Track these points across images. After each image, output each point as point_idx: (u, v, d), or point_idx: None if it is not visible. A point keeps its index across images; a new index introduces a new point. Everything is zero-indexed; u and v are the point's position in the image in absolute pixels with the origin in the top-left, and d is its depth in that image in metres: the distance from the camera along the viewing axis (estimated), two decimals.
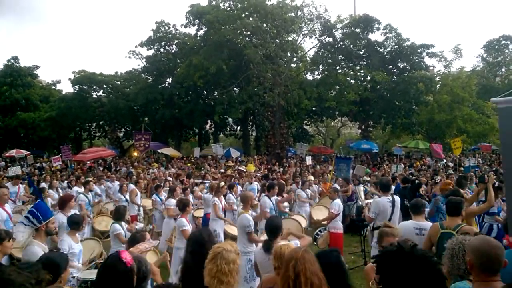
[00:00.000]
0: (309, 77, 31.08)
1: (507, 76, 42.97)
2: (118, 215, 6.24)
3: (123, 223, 6.22)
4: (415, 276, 1.93)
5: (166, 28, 32.23)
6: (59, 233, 6.35)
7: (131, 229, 6.29)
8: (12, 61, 36.36)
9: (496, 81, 41.69)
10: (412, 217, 5.28)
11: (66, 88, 44.77)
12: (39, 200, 6.76)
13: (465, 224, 4.55)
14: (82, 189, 10.53)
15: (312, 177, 12.85)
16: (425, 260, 1.99)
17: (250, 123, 35.63)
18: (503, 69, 43.79)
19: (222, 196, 8.83)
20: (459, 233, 3.91)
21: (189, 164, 21.10)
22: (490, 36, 65.08)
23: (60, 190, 11.97)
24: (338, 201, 8.20)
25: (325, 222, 8.25)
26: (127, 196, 10.62)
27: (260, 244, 4.64)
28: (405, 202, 7.95)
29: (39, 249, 4.39)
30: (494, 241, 2.64)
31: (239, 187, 11.41)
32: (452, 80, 29.05)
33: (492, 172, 14.18)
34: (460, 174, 13.31)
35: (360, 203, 10.22)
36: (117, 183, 12.69)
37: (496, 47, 42.78)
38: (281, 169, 17.61)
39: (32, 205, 5.71)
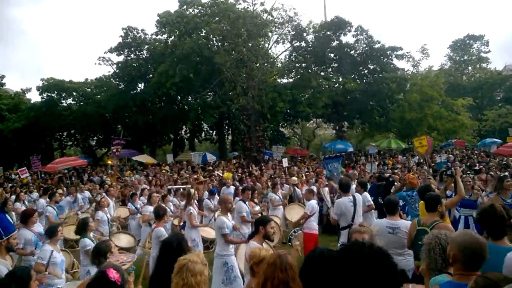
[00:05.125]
0: (283, 80, 31.16)
1: (473, 74, 44.35)
2: (82, 228, 5.77)
3: (91, 235, 5.92)
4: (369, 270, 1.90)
5: (135, 33, 31.75)
6: (27, 250, 6.07)
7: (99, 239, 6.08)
8: None
9: (463, 79, 42.95)
10: (386, 216, 5.29)
11: (36, 97, 43.42)
12: (0, 213, 6.41)
13: (440, 221, 4.55)
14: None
15: (295, 179, 12.79)
16: (379, 255, 1.97)
17: (226, 127, 35.45)
18: (470, 67, 45.19)
19: (194, 203, 8.65)
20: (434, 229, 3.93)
21: (164, 171, 20.75)
22: (455, 36, 67.18)
23: (27, 203, 11.52)
24: (313, 202, 8.18)
25: (301, 221, 8.16)
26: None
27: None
28: (379, 200, 7.99)
29: (0, 265, 4.15)
30: (479, 237, 2.66)
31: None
32: (421, 79, 29.79)
33: (462, 166, 14.50)
34: (434, 170, 13.57)
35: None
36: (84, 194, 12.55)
37: (462, 46, 44.16)
38: (259, 171, 17.49)
39: None
